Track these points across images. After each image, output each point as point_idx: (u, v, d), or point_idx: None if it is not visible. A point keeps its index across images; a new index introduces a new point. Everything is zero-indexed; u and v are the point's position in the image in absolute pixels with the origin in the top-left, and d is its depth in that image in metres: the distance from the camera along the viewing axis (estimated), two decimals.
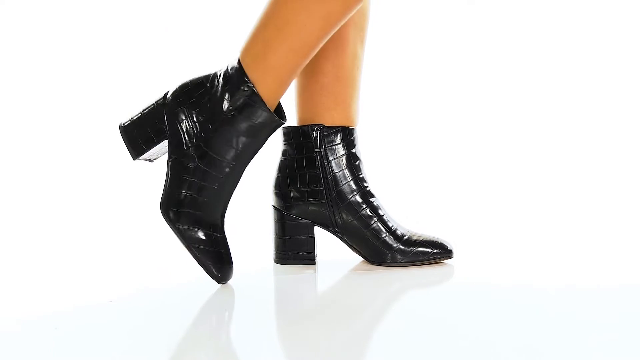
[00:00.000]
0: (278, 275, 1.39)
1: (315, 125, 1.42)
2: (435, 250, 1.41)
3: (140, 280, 1.40)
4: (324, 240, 1.54)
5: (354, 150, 1.42)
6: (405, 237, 1.41)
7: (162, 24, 2.29)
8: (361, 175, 1.42)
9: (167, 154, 1.32)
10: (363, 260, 1.43)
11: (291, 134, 1.43)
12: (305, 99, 1.44)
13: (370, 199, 1.42)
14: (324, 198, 1.41)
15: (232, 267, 1.33)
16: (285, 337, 1.14)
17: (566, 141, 2.25)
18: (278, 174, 1.44)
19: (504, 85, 2.34)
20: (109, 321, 1.19)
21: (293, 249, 1.43)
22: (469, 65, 2.34)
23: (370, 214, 1.41)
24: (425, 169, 2.22)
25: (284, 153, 1.44)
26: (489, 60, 2.35)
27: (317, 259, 1.45)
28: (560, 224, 1.72)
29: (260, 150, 1.31)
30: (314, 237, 1.43)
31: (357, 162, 1.43)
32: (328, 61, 1.42)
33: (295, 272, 1.39)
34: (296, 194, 1.42)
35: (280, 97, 1.31)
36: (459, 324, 1.17)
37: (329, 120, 1.42)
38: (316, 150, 1.42)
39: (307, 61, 1.31)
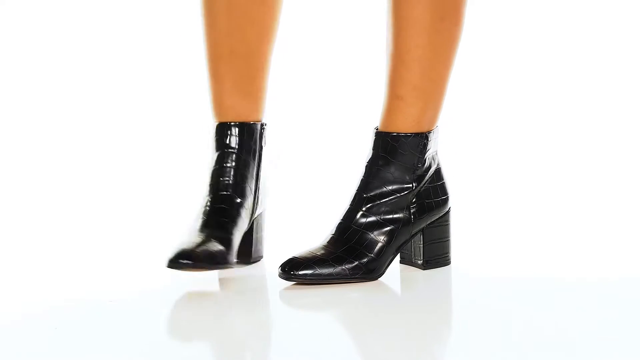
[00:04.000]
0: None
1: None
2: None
3: (141, 280, 1.39)
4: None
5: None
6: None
7: (161, 24, 2.29)
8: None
9: None
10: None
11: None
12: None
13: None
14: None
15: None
16: (286, 338, 1.14)
17: (566, 139, 2.25)
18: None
19: (504, 85, 2.34)
20: (109, 321, 1.19)
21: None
22: (469, 66, 2.34)
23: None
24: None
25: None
26: (489, 61, 2.35)
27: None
28: (561, 222, 1.72)
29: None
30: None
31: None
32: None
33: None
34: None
35: None
36: (461, 322, 1.17)
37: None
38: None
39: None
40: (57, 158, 2.20)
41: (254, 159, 1.38)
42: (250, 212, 1.37)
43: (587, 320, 1.15)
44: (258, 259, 1.42)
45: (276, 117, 1.98)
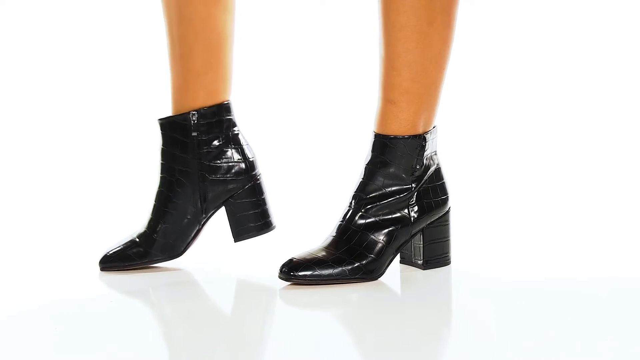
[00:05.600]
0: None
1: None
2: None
3: (141, 280, 1.39)
4: None
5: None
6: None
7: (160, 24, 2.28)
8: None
9: None
10: None
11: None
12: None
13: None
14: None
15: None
16: (286, 338, 1.14)
17: (566, 139, 2.25)
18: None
19: (504, 85, 2.34)
20: (109, 321, 1.19)
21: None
22: (469, 66, 2.34)
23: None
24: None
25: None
26: (489, 62, 2.35)
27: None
28: (561, 222, 1.72)
29: None
30: None
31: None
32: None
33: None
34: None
35: None
36: (461, 322, 1.17)
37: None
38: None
39: None
40: (58, 158, 2.20)
41: (179, 148, 1.39)
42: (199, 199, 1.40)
43: (587, 320, 1.15)
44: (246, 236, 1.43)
45: (276, 118, 1.97)
